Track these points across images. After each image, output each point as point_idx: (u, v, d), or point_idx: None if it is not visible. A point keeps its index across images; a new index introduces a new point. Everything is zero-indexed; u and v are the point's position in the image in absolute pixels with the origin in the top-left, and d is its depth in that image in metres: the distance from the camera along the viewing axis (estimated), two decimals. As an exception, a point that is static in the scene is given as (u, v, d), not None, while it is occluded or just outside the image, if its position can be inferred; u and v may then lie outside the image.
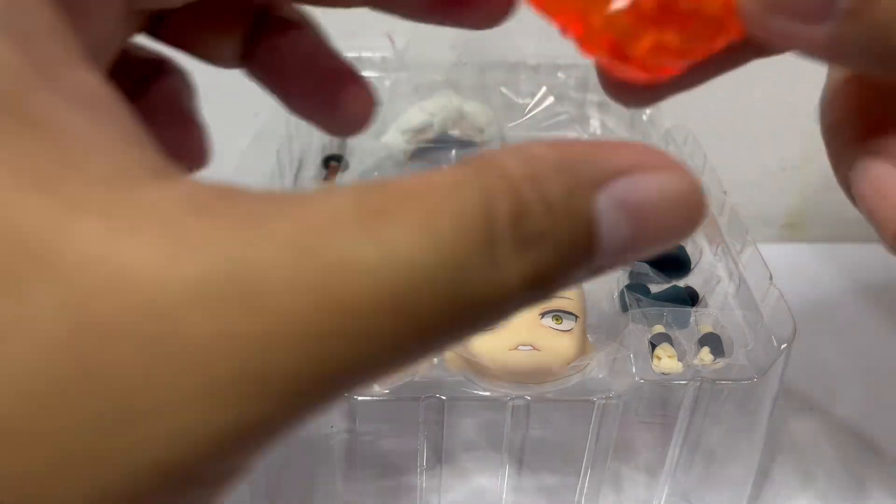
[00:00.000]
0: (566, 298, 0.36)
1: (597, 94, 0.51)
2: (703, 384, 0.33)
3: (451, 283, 0.13)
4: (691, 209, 0.15)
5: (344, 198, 0.13)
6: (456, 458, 0.38)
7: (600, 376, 0.34)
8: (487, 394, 0.34)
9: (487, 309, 0.14)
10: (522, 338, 0.35)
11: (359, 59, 0.52)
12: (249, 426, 0.12)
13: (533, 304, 0.15)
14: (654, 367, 0.34)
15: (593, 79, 0.51)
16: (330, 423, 0.34)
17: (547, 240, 0.14)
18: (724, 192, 0.42)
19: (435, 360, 0.35)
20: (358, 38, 0.49)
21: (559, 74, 0.52)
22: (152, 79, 0.23)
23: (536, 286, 0.14)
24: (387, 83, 0.51)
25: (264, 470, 0.35)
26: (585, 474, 0.35)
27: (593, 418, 0.34)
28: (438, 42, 0.51)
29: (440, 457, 0.36)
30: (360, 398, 0.33)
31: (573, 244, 0.14)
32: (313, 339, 0.12)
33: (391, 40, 0.51)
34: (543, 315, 0.36)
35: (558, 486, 0.37)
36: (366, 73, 0.51)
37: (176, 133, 0.23)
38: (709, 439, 0.35)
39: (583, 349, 0.35)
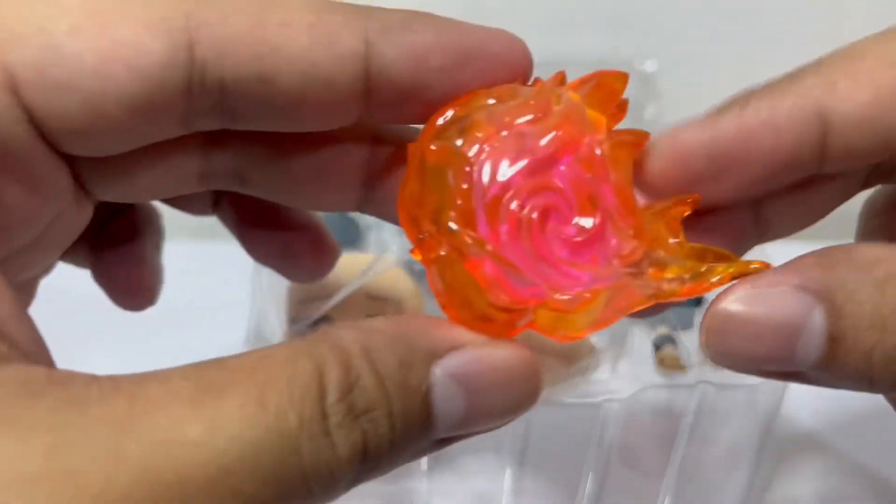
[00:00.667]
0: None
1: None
2: (708, 386, 0.33)
3: (280, 455, 0.13)
4: (527, 383, 0.16)
5: (180, 378, 0.13)
6: (456, 461, 0.37)
7: (603, 378, 0.34)
8: (488, 396, 0.33)
9: (318, 482, 0.14)
10: (524, 339, 0.34)
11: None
12: None
13: (371, 479, 0.15)
14: (657, 369, 0.34)
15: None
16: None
17: (379, 412, 0.14)
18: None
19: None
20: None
21: (561, 72, 0.51)
22: (118, 217, 0.25)
23: (370, 459, 0.14)
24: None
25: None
26: (587, 478, 0.35)
27: (596, 421, 0.33)
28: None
29: (440, 460, 0.35)
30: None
31: (407, 417, 0.15)
32: None
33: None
34: (545, 316, 0.35)
35: (560, 490, 0.36)
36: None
37: (125, 271, 0.24)
38: (713, 442, 0.35)
39: (585, 351, 0.35)
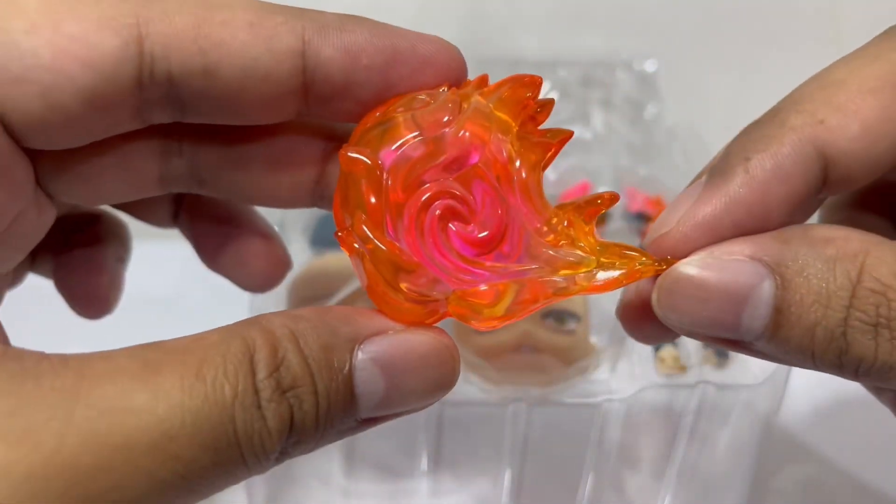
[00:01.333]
0: (568, 299, 0.35)
1: (599, 92, 0.51)
2: (708, 386, 0.33)
3: (217, 423, 0.15)
4: (443, 367, 0.18)
5: (125, 356, 0.15)
6: (456, 462, 0.37)
7: (603, 378, 0.34)
8: (488, 396, 0.33)
9: (250, 451, 0.15)
10: (524, 339, 0.34)
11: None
12: None
13: (298, 454, 0.17)
14: (657, 369, 0.34)
15: (596, 76, 0.50)
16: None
17: (304, 388, 0.16)
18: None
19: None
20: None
21: (561, 71, 0.51)
22: (82, 228, 0.26)
23: (297, 433, 0.16)
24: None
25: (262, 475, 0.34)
26: (587, 478, 0.35)
27: (596, 421, 0.33)
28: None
29: (440, 460, 0.35)
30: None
31: (331, 395, 0.16)
32: (80, 473, 0.14)
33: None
34: (546, 316, 0.35)
35: (559, 490, 0.36)
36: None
37: (83, 278, 0.26)
38: (713, 442, 0.35)
39: (585, 351, 0.35)
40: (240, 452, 0.15)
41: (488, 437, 0.36)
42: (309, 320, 0.17)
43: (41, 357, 0.15)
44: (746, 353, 0.18)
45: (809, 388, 0.41)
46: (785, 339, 0.17)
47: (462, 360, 0.33)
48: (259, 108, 0.19)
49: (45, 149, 0.18)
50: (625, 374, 0.34)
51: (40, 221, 0.20)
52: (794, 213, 0.19)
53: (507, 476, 0.35)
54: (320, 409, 0.16)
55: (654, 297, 0.18)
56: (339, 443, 0.34)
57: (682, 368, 0.34)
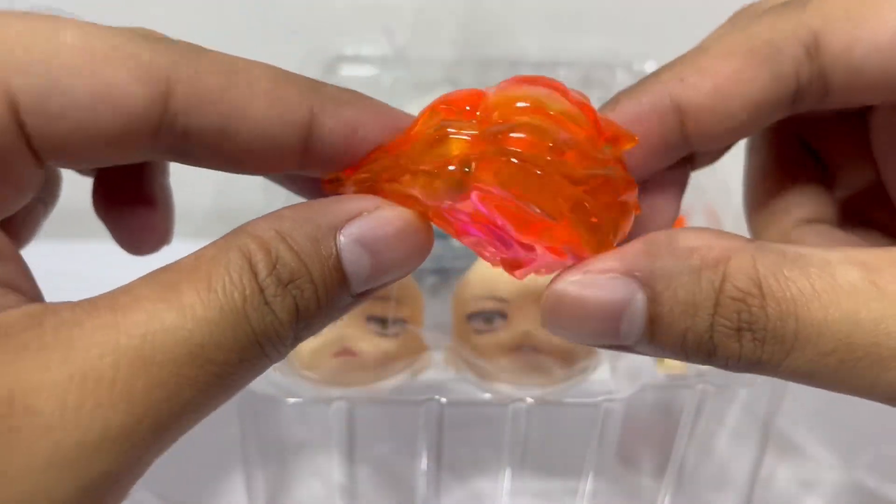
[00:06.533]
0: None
1: (599, 92, 0.51)
2: (708, 386, 0.33)
3: (235, 327, 0.17)
4: (418, 234, 0.20)
5: (142, 285, 0.17)
6: (456, 462, 0.37)
7: (603, 378, 0.34)
8: (488, 396, 0.33)
9: (268, 342, 0.18)
10: (524, 339, 0.34)
11: (357, 56, 0.51)
12: (93, 486, 0.16)
13: (309, 335, 0.19)
14: (658, 369, 0.34)
15: (595, 76, 0.50)
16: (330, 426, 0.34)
17: (302, 280, 0.18)
18: (729, 191, 0.42)
19: (433, 359, 0.34)
20: (357, 34, 0.49)
21: (561, 72, 0.51)
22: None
23: (303, 318, 0.18)
24: (386, 81, 0.51)
25: (262, 474, 0.34)
26: (587, 478, 0.35)
27: (596, 421, 0.33)
28: (439, 39, 0.50)
29: (440, 460, 0.35)
30: (358, 403, 0.33)
31: (325, 280, 0.18)
32: (136, 396, 0.16)
33: (390, 37, 0.51)
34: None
35: (559, 491, 0.36)
36: (365, 71, 0.51)
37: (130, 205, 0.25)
38: (713, 442, 0.35)
39: (586, 351, 0.35)
40: (260, 346, 0.18)
41: (488, 437, 0.36)
42: (291, 218, 0.18)
43: (74, 305, 0.17)
44: (627, 352, 0.20)
45: (810, 387, 0.41)
46: (660, 344, 0.19)
47: (462, 360, 0.34)
48: (258, 165, 0.21)
49: (52, 165, 0.20)
50: (625, 374, 0.34)
51: (36, 186, 0.21)
52: (652, 156, 0.22)
53: (507, 476, 0.35)
54: (319, 293, 0.18)
55: (541, 315, 0.20)
56: (338, 443, 0.34)
57: (682, 368, 0.34)
